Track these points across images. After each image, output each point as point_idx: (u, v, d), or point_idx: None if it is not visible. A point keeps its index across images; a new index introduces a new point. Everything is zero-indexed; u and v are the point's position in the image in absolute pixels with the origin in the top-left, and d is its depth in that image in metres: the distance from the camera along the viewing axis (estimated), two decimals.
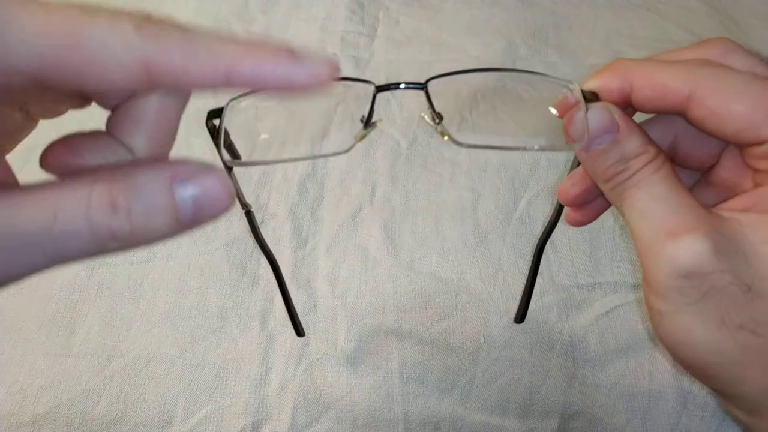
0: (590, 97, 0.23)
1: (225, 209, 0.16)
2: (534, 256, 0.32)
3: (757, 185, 0.23)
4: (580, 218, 0.28)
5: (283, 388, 0.37)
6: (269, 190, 0.46)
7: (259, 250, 0.43)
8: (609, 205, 0.27)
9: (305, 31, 0.58)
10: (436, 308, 0.40)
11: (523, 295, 0.33)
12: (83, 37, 0.14)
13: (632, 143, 0.22)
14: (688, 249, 0.21)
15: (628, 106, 0.24)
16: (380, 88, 0.24)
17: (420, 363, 0.38)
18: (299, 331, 0.34)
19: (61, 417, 0.36)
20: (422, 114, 0.25)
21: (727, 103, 0.21)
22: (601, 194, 0.25)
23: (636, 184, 0.22)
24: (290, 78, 0.16)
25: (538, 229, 0.44)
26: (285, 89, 0.16)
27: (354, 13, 0.59)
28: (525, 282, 0.33)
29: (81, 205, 0.15)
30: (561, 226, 0.44)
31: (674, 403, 0.37)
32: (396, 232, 0.44)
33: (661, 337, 0.23)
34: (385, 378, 0.38)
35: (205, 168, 0.16)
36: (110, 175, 0.16)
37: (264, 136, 0.27)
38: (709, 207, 0.22)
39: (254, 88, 0.16)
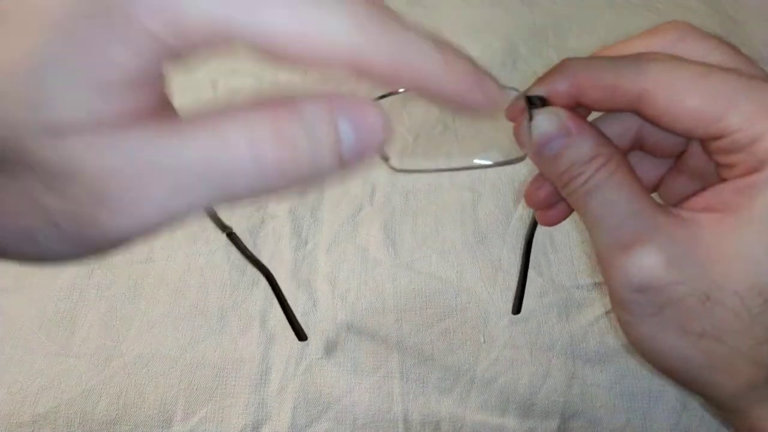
0: (538, 102, 0.22)
1: (384, 142, 0.15)
2: (523, 249, 0.33)
3: (721, 179, 0.22)
4: (550, 219, 0.27)
5: (283, 388, 0.37)
6: None
7: (259, 250, 0.43)
8: None
9: None
10: (436, 308, 0.40)
11: (518, 286, 0.33)
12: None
13: (583, 148, 0.21)
14: (638, 263, 0.20)
15: (579, 106, 0.23)
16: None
17: (420, 363, 0.38)
18: (300, 336, 0.34)
19: (61, 417, 0.36)
20: None
21: (678, 100, 0.20)
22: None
23: (589, 191, 0.21)
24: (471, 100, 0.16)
25: (539, 229, 0.44)
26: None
27: None
28: (518, 275, 0.33)
29: (245, 132, 0.14)
30: (562, 227, 0.44)
31: (674, 403, 0.37)
32: (396, 232, 0.44)
33: (630, 345, 0.22)
34: (384, 378, 0.38)
35: (363, 99, 0.15)
36: (274, 101, 0.14)
37: None
38: (669, 206, 0.22)
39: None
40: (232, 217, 0.44)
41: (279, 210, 0.45)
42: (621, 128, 0.24)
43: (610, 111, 0.24)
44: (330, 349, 0.39)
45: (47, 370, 0.38)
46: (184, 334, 0.39)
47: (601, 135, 0.22)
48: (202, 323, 0.40)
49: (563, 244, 0.43)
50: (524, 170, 0.47)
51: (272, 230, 0.44)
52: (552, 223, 0.27)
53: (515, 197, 0.45)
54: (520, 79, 0.54)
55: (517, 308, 0.34)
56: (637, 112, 0.22)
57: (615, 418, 0.36)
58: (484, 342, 0.39)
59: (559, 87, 0.22)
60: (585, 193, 0.21)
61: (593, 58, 0.23)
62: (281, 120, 0.14)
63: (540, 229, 0.44)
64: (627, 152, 0.25)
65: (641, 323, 0.21)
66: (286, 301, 0.33)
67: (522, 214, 0.44)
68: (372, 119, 0.15)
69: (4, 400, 0.37)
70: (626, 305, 0.21)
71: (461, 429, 0.36)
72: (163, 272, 0.42)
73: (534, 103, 0.22)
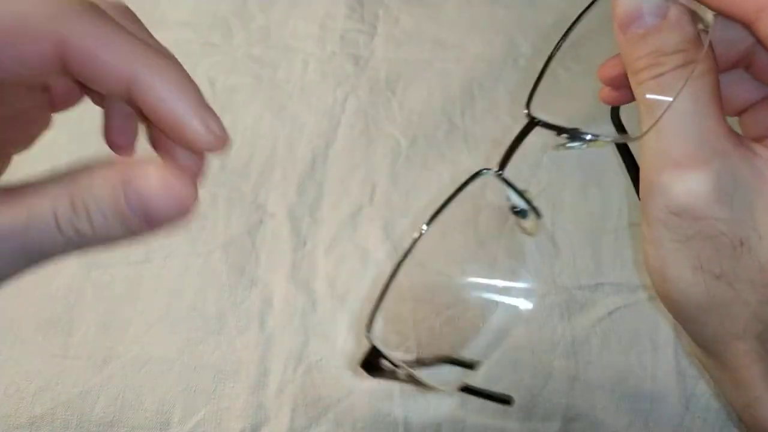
0: None
1: (178, 214, 0.16)
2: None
3: None
4: (613, 98, 0.25)
5: (282, 390, 0.37)
6: (267, 189, 0.46)
7: (258, 250, 0.42)
8: None
9: (304, 28, 0.57)
10: (437, 309, 0.40)
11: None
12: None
13: (673, 36, 0.19)
14: (686, 187, 0.19)
15: None
16: (500, 169, 0.21)
17: None
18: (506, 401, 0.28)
19: (58, 419, 0.36)
20: (556, 145, 0.22)
21: None
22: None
23: (662, 88, 0.19)
24: (191, 125, 0.16)
25: (540, 229, 0.43)
26: (177, 135, 0.16)
27: (354, 10, 0.58)
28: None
29: (48, 206, 0.15)
30: (563, 227, 0.43)
31: (677, 405, 0.36)
32: (396, 232, 0.43)
33: (645, 264, 0.22)
34: (384, 380, 0.37)
35: (155, 169, 0.16)
36: (73, 177, 0.16)
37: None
38: (744, 137, 0.20)
39: (148, 113, 0.16)
40: (231, 217, 0.44)
41: (278, 210, 0.45)
42: (734, 35, 0.21)
43: (723, 15, 0.21)
44: (329, 350, 0.38)
45: (44, 371, 0.38)
46: (181, 336, 0.39)
47: (699, 37, 0.20)
48: (199, 324, 0.39)
49: (565, 245, 0.42)
50: (526, 170, 0.46)
51: (271, 230, 0.43)
52: (611, 101, 0.25)
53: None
54: (522, 78, 0.53)
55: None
56: (750, 29, 0.19)
57: (617, 420, 0.36)
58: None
59: None
60: (652, 86, 0.20)
61: None
62: (75, 194, 0.15)
63: (542, 230, 0.44)
64: (731, 67, 0.23)
65: (662, 246, 0.20)
66: (477, 390, 0.28)
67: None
68: (158, 189, 0.15)
69: (0, 401, 0.37)
70: (655, 224, 0.20)
71: (462, 431, 0.36)
72: (161, 273, 0.42)
73: None
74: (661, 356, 0.38)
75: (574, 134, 0.21)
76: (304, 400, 0.37)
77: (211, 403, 0.37)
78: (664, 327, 0.39)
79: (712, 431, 0.36)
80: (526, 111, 0.22)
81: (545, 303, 0.40)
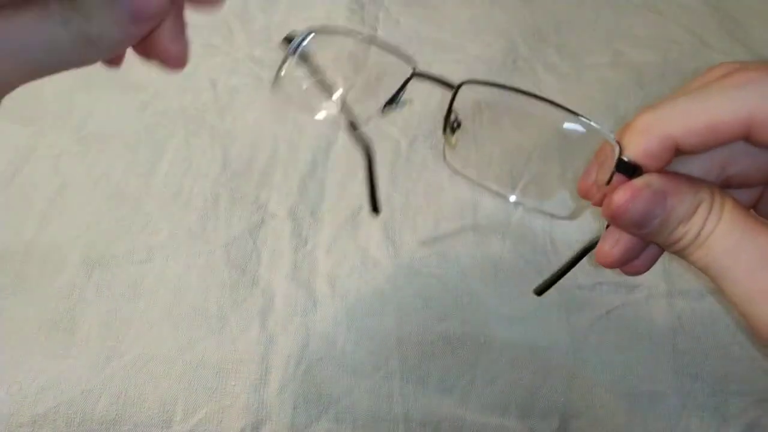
0: (631, 170, 0.21)
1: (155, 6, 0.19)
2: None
3: None
4: (636, 270, 0.25)
5: (283, 389, 0.37)
6: (269, 189, 0.46)
7: (259, 250, 0.43)
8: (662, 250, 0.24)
9: None
10: (436, 308, 0.40)
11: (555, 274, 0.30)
12: None
13: (684, 205, 0.20)
14: None
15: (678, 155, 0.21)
16: (418, 75, 0.24)
17: (420, 363, 0.38)
18: (376, 207, 0.32)
19: (61, 417, 0.36)
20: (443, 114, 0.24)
21: None
22: (649, 244, 0.23)
23: (702, 245, 0.20)
24: None
25: (539, 229, 0.44)
26: None
27: (354, 13, 0.59)
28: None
29: (57, 8, 0.18)
30: (562, 227, 0.44)
31: (675, 404, 0.37)
32: (396, 232, 0.44)
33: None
34: (385, 378, 0.38)
35: None
36: None
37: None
38: None
39: None
40: (233, 217, 0.44)
41: (279, 210, 0.45)
42: (701, 171, 0.22)
43: (714, 148, 0.21)
44: (330, 349, 0.39)
45: (47, 370, 0.38)
46: (183, 334, 0.39)
47: (694, 181, 0.21)
48: (201, 323, 0.40)
49: (564, 244, 0.43)
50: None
51: (272, 230, 0.44)
52: (638, 273, 0.25)
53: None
54: (520, 79, 0.54)
55: (541, 290, 0.30)
56: (747, 140, 0.20)
57: (615, 418, 0.36)
58: (485, 342, 0.39)
59: (651, 147, 0.20)
60: (699, 247, 0.20)
61: (673, 102, 0.21)
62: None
63: (540, 230, 0.44)
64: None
65: None
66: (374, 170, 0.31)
67: (523, 214, 0.44)
68: None
69: (3, 400, 0.37)
70: None
71: (461, 429, 0.36)
72: (163, 272, 0.42)
73: (628, 172, 0.21)
74: (659, 355, 0.38)
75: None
76: (305, 399, 0.37)
77: (212, 401, 0.37)
78: (661, 326, 0.39)
79: (709, 429, 0.36)
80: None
81: (544, 302, 0.40)
